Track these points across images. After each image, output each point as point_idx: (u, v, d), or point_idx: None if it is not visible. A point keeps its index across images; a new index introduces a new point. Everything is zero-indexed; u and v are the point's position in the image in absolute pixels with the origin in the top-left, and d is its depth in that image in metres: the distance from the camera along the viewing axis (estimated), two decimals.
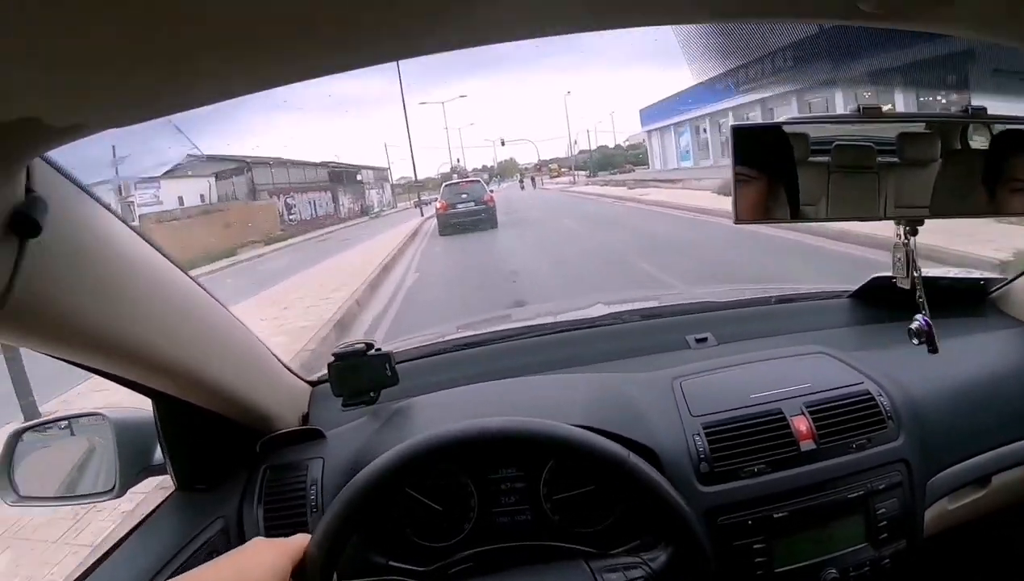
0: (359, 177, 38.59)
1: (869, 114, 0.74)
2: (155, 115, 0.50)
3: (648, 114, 34.54)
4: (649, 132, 36.78)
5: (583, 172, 54.24)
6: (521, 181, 49.42)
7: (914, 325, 0.85)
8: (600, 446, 0.77)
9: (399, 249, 13.01)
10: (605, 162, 58.73)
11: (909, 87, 0.79)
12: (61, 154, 0.59)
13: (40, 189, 0.54)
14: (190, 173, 22.00)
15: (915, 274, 0.83)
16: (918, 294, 0.84)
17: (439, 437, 0.78)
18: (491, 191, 24.56)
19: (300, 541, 0.72)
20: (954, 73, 0.74)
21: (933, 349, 0.85)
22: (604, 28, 0.51)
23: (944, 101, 0.80)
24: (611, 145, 68.99)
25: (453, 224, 15.70)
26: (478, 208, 16.02)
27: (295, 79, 0.49)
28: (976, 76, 0.81)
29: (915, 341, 0.85)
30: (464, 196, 16.45)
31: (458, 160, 53.76)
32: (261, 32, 0.39)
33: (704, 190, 14.50)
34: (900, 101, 0.90)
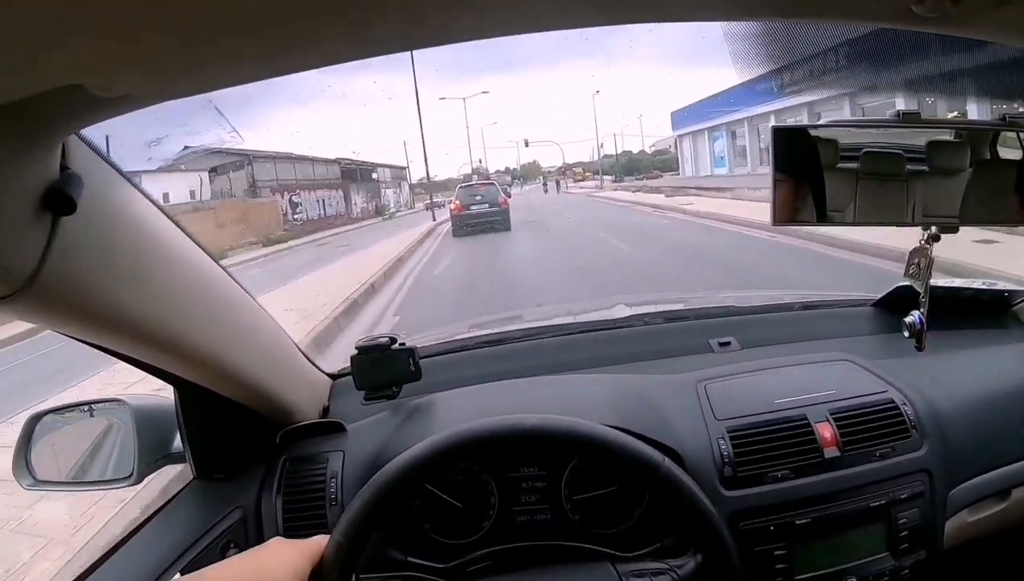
0: (375, 175, 37.37)
1: (909, 119, 0.74)
2: (202, 89, 0.49)
3: (680, 117, 32.46)
4: (680, 136, 34.52)
5: (608, 176, 52.50)
6: (545, 184, 47.19)
7: (908, 319, 0.87)
8: (637, 449, 0.77)
9: (394, 262, 11.11)
10: (631, 167, 57.10)
11: (954, 94, 0.78)
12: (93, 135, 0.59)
13: (74, 167, 0.54)
14: (183, 167, 20.03)
15: (927, 278, 0.84)
16: (922, 295, 0.86)
17: (476, 430, 0.78)
18: (509, 194, 23.98)
19: (319, 542, 0.71)
20: (997, 81, 0.73)
21: (920, 347, 0.87)
22: (645, 21, 0.49)
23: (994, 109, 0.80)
24: (635, 150, 67.81)
25: (467, 225, 15.72)
26: (492, 210, 16.03)
27: (336, 60, 0.48)
28: (1012, 85, 0.81)
29: (906, 333, 0.87)
30: (478, 198, 16.50)
31: (480, 161, 53.01)
32: (305, 10, 0.39)
33: (761, 202, 10.67)
34: (942, 108, 0.91)
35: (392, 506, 0.75)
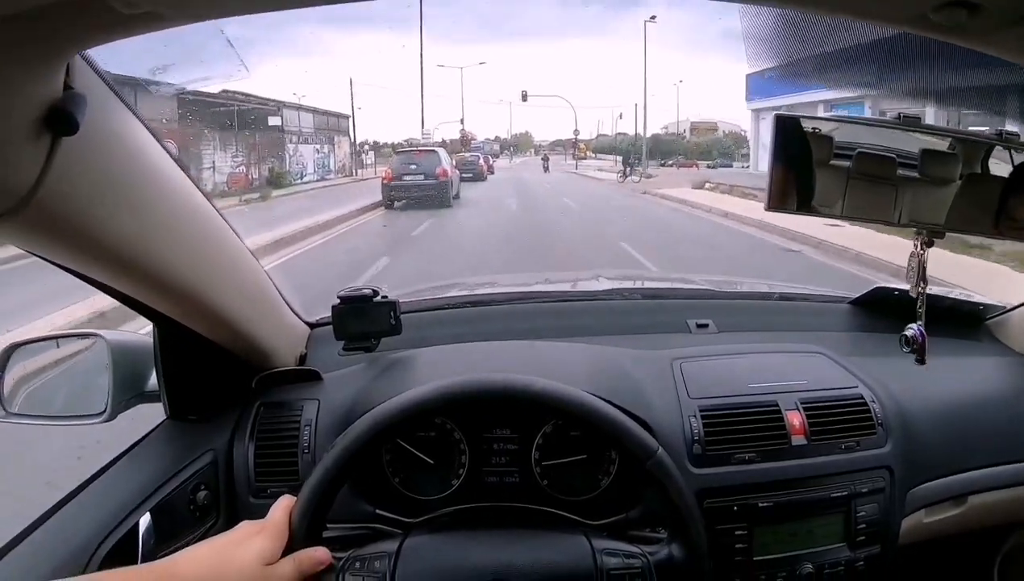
0: (276, 121, 22.04)
1: (908, 123, 0.76)
2: (228, 11, 0.48)
3: (762, 85, 19.24)
4: (757, 111, 23.91)
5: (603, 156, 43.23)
6: (545, 159, 34.75)
7: (908, 333, 0.87)
8: (634, 433, 0.78)
9: None
10: (654, 150, 39.40)
11: (955, 106, 0.80)
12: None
13: (78, 88, 0.53)
14: None
15: (922, 286, 0.85)
16: (919, 304, 0.86)
17: (486, 383, 0.79)
18: (491, 167, 22.77)
19: (282, 517, 0.71)
20: (998, 98, 0.75)
21: (921, 360, 0.87)
22: None
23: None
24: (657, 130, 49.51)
25: (396, 197, 14.55)
26: (427, 182, 14.48)
27: None
28: (1014, 102, 0.82)
29: (905, 348, 0.87)
30: (413, 167, 14.85)
31: (462, 128, 40.97)
32: None
33: None
34: (931, 115, 0.92)
35: (370, 453, 0.75)
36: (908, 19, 0.50)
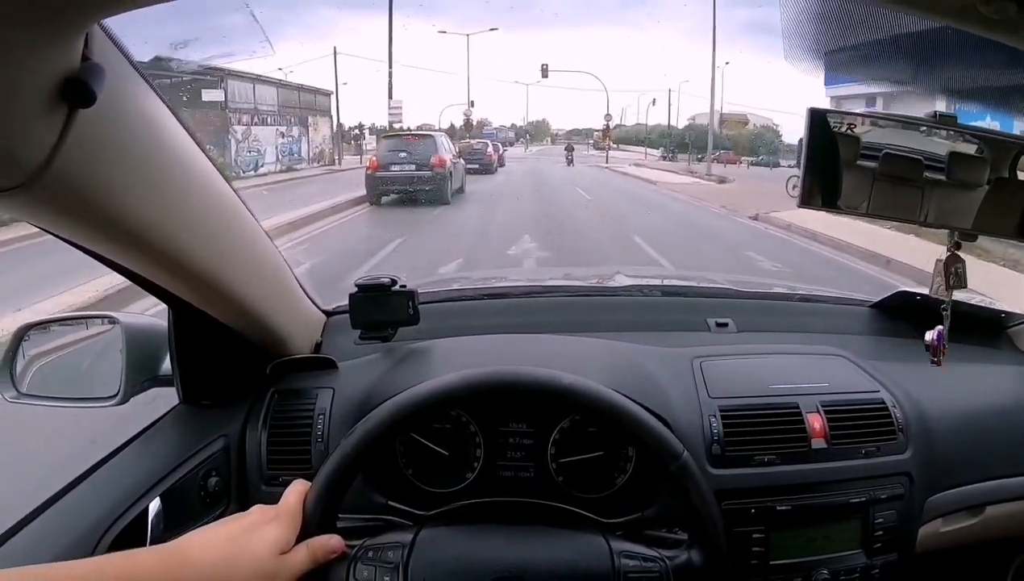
0: (212, 95, 15.97)
1: (945, 122, 0.74)
2: None
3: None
4: (838, 98, 11.80)
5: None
6: (570, 151, 27.08)
7: (929, 336, 0.87)
8: (661, 434, 0.77)
9: None
10: (689, 143, 36.29)
11: (996, 107, 0.79)
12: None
13: (96, 59, 0.51)
14: None
15: (950, 291, 0.83)
16: (944, 307, 0.85)
17: (505, 374, 0.78)
18: (500, 158, 18.37)
19: (296, 502, 0.71)
20: None
21: (937, 362, 0.87)
22: None
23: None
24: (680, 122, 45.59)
25: (382, 191, 12.08)
26: (420, 174, 11.76)
27: None
28: None
29: (928, 350, 0.87)
30: (403, 155, 12.13)
31: (467, 113, 31.64)
32: None
33: None
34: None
35: (393, 440, 0.75)
36: (955, 10, 0.48)
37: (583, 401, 0.77)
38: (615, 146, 39.14)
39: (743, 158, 31.18)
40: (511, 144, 42.17)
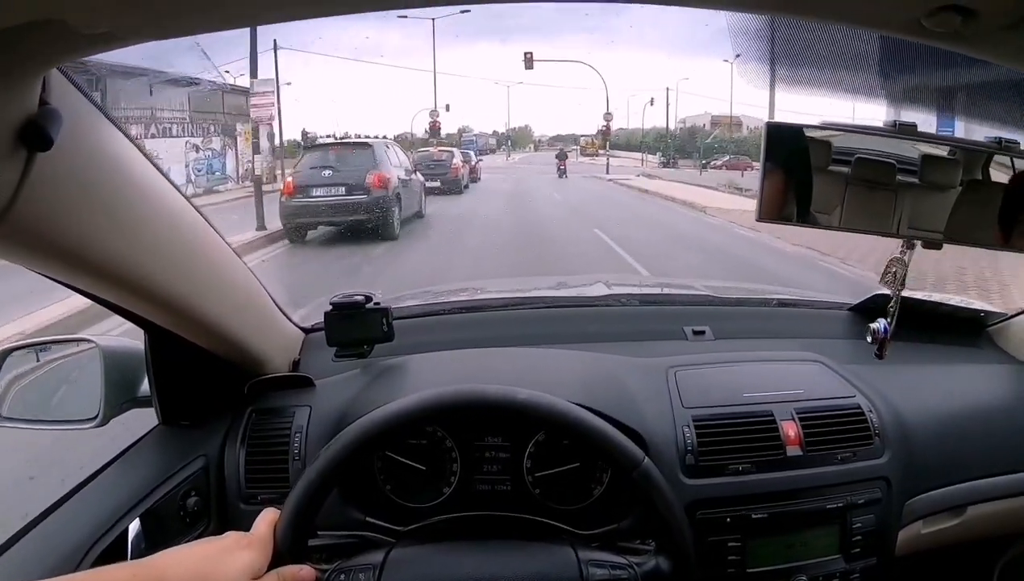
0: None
1: (904, 130, 0.74)
2: (187, 30, 0.48)
3: None
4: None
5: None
6: (561, 160, 21.33)
7: (874, 325, 0.89)
8: (619, 444, 0.77)
9: None
10: (688, 146, 34.77)
11: (952, 112, 0.79)
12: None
13: (55, 102, 0.53)
14: None
15: (899, 288, 0.86)
16: (892, 304, 0.88)
17: (466, 395, 0.78)
18: (473, 166, 14.61)
19: (267, 531, 0.70)
20: (995, 104, 0.74)
21: (880, 355, 0.89)
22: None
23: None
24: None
25: (301, 223, 8.66)
26: (350, 200, 8.41)
27: (325, 12, 0.47)
28: (1011, 109, 0.81)
29: (868, 338, 0.90)
30: (327, 173, 8.77)
31: (434, 116, 23.94)
32: None
33: None
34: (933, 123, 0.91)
35: (360, 463, 0.75)
36: (901, 25, 0.49)
37: (541, 415, 0.78)
38: (602, 152, 33.20)
39: (755, 164, 28.60)
40: (492, 151, 40.31)
